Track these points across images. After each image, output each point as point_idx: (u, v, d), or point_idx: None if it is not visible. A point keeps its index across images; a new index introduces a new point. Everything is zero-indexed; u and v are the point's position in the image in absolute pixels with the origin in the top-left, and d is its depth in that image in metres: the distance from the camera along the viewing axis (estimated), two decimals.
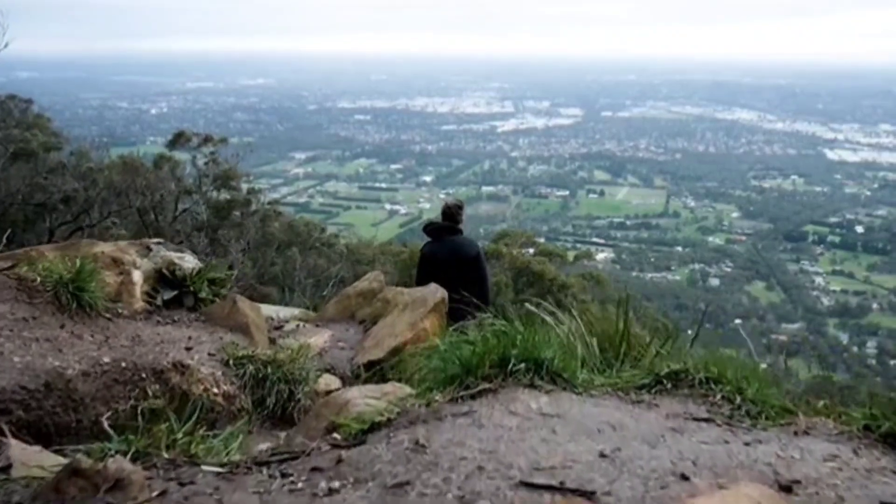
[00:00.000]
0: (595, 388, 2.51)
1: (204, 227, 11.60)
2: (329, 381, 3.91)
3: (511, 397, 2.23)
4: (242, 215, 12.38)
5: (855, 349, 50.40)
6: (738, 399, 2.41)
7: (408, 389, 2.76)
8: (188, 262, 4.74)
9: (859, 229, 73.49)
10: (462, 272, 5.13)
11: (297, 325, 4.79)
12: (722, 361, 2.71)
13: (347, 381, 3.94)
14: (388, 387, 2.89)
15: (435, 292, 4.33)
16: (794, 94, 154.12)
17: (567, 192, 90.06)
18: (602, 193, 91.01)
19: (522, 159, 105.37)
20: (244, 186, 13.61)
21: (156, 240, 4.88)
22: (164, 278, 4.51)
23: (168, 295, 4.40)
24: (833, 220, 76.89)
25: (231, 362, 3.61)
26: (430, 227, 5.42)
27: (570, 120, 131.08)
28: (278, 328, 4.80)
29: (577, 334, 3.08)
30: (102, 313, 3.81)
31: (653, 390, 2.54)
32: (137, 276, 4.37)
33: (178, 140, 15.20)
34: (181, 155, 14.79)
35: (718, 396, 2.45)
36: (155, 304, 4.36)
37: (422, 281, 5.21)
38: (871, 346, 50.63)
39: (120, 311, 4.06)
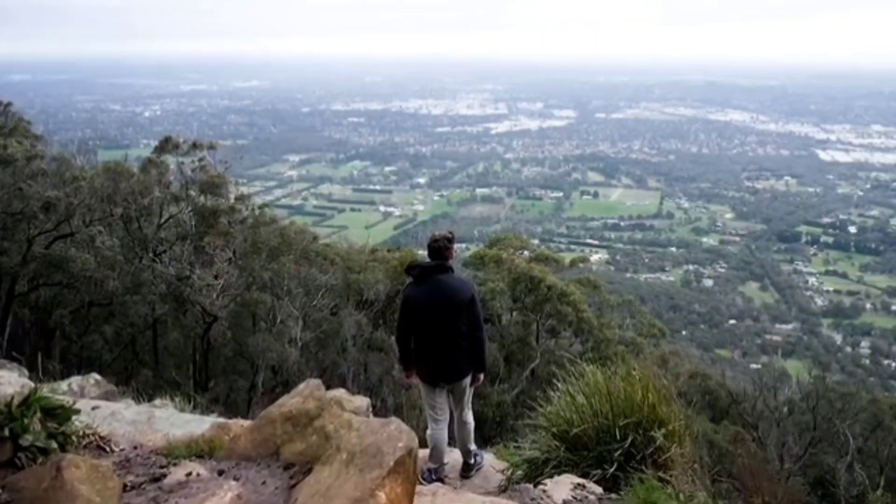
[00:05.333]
0: None
1: (189, 235, 11.33)
2: None
3: None
4: (230, 223, 12.11)
5: (849, 349, 50.54)
6: None
7: None
8: (5, 383, 3.11)
9: (852, 229, 73.77)
10: (452, 320, 4.30)
11: (189, 475, 3.12)
12: None
13: None
14: None
15: (396, 439, 2.92)
16: (787, 94, 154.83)
17: (561, 194, 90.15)
18: (596, 195, 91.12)
19: (516, 161, 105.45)
20: (232, 193, 13.32)
21: None
22: None
23: None
24: (826, 220, 77.17)
25: None
26: (414, 268, 4.51)
27: (563, 121, 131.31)
28: (157, 479, 3.13)
29: None
30: None
31: None
32: None
33: (165, 146, 14.90)
34: (169, 159, 14.49)
35: None
36: None
37: (403, 330, 4.48)
38: (864, 345, 50.78)
39: None
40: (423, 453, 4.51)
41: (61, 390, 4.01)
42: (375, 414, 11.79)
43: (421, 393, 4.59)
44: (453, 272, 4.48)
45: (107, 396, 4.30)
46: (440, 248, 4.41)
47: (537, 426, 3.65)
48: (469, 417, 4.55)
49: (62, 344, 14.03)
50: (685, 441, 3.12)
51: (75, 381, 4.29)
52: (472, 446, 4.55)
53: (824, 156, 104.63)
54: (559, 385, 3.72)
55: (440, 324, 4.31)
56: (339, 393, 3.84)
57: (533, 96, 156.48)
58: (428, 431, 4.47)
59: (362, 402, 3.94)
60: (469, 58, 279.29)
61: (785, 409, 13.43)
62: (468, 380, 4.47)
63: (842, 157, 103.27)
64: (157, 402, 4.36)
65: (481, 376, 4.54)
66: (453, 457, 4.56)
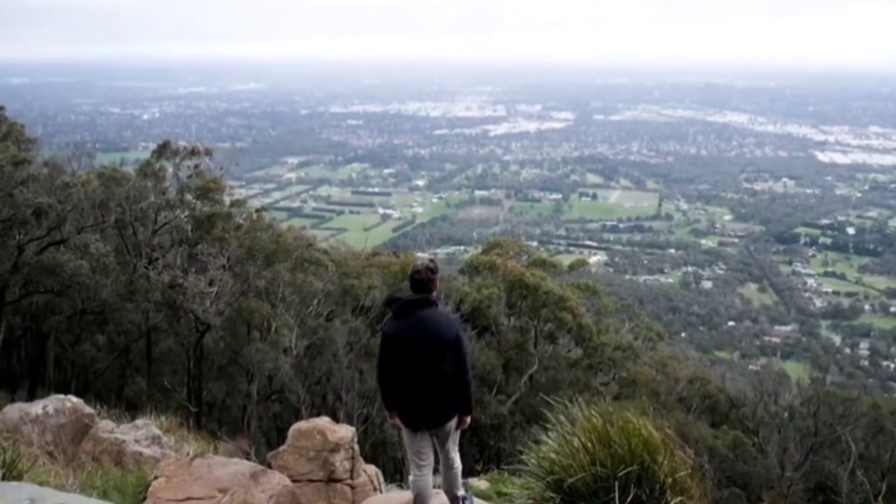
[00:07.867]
0: None
1: (185, 240, 11.20)
2: None
3: None
4: (225, 228, 11.97)
5: (847, 350, 50.53)
6: None
7: None
8: None
9: (850, 231, 73.79)
10: (435, 360, 3.93)
11: None
12: None
13: None
14: None
15: None
16: (785, 96, 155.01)
17: (560, 196, 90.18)
18: (594, 196, 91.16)
19: (515, 163, 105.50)
20: (227, 199, 13.18)
21: None
22: None
23: None
24: (824, 221, 77.20)
25: None
26: (393, 302, 4.16)
27: (562, 123, 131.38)
28: None
29: None
30: None
31: None
32: None
33: (163, 151, 14.79)
34: (166, 165, 14.38)
35: None
36: None
37: (384, 370, 4.12)
38: (863, 347, 50.77)
39: None
40: (408, 496, 4.27)
41: (33, 414, 3.77)
42: (373, 422, 11.60)
43: (402, 437, 4.22)
44: (437, 306, 4.08)
45: (81, 420, 4.02)
46: (423, 280, 3.99)
47: (529, 473, 3.36)
48: (456, 461, 4.20)
49: (57, 350, 13.90)
50: (695, 495, 2.83)
51: (51, 403, 4.04)
52: (460, 491, 4.25)
53: (822, 157, 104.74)
54: (552, 427, 3.44)
55: (422, 364, 3.93)
56: (324, 422, 3.58)
57: (531, 98, 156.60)
58: (410, 478, 4.15)
59: (347, 432, 3.67)
60: (467, 60, 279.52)
61: (786, 415, 13.32)
62: (453, 423, 4.12)
63: (840, 158, 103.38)
64: (140, 421, 4.16)
65: (468, 419, 4.18)
66: (441, 500, 4.27)
